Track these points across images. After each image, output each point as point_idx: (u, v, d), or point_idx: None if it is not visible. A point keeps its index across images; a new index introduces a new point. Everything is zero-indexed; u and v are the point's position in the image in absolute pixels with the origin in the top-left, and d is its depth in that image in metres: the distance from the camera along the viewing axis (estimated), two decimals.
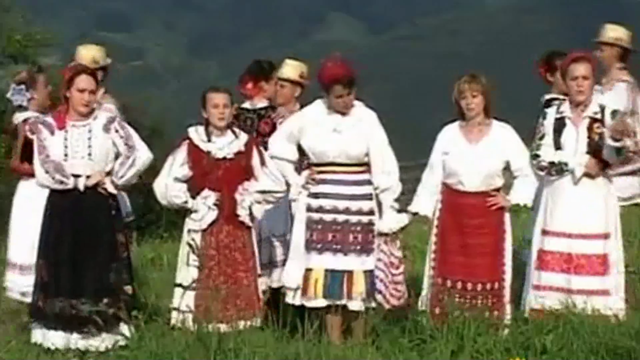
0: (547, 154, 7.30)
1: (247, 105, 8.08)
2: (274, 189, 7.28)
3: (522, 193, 7.30)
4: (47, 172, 6.89)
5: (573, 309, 7.00)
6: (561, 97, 7.71)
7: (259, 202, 7.31)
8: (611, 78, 8.79)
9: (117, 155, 7.05)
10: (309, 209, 7.18)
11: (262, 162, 7.26)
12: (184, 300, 7.15)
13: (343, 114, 7.18)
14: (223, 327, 6.64)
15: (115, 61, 8.80)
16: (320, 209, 7.16)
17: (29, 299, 7.37)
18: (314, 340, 6.52)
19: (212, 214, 7.22)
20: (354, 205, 7.13)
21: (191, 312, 7.07)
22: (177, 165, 7.25)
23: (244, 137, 7.35)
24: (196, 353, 6.25)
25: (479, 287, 7.18)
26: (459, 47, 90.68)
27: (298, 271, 7.14)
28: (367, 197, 7.15)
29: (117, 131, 7.06)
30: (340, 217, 7.14)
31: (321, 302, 7.10)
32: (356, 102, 7.23)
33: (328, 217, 7.15)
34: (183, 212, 7.37)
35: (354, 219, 7.13)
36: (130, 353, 6.58)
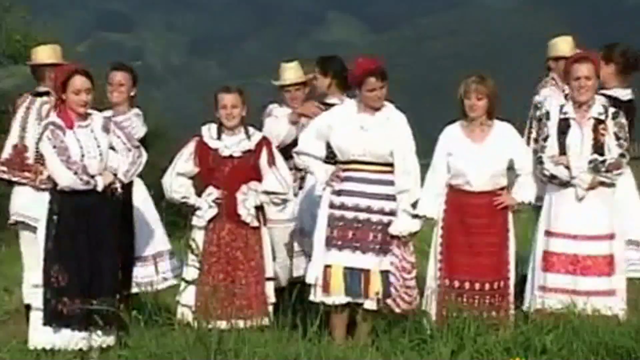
0: (550, 165, 7.29)
1: (335, 100, 7.97)
2: (278, 190, 7.28)
3: (525, 191, 7.31)
4: (75, 173, 6.83)
5: (573, 308, 7.01)
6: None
7: (266, 204, 7.33)
8: None
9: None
10: (332, 205, 7.18)
11: (272, 163, 7.28)
12: (185, 295, 7.20)
13: (372, 113, 7.17)
14: (222, 325, 6.66)
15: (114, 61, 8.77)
16: (342, 206, 7.16)
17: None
18: (314, 340, 6.51)
19: (212, 211, 7.25)
20: (376, 204, 7.12)
21: (191, 308, 7.12)
22: (182, 160, 7.32)
23: (257, 136, 7.37)
24: (196, 353, 6.25)
25: (487, 286, 7.19)
26: (459, 47, 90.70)
27: (319, 268, 7.15)
28: (390, 197, 7.12)
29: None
30: (362, 215, 7.13)
31: (342, 299, 7.10)
32: (387, 103, 7.23)
33: (349, 214, 7.14)
34: (184, 212, 7.40)
35: (375, 218, 7.13)
36: (130, 353, 6.58)
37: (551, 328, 6.75)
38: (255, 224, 7.29)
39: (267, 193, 7.29)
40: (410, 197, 7.12)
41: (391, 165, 7.14)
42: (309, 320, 6.60)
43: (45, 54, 8.17)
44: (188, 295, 7.23)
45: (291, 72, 8.30)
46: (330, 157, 7.32)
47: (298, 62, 8.41)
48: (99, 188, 6.88)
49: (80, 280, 6.85)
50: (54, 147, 6.84)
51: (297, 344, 6.45)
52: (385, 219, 7.12)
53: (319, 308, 7.07)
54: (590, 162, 7.21)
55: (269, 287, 7.33)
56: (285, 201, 7.49)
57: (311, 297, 7.16)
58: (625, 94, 7.92)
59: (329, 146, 7.26)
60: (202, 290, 7.15)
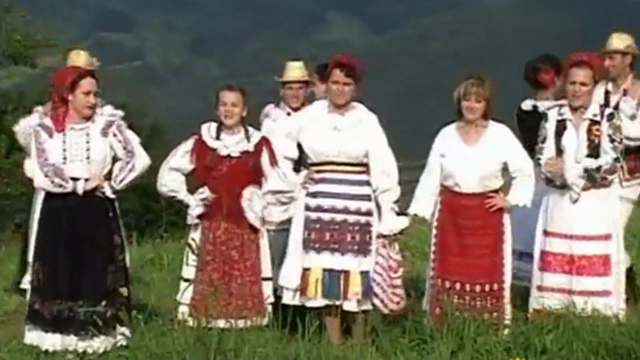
0: (546, 168, 7.32)
1: None
2: (284, 188, 7.29)
3: (520, 194, 7.28)
4: (46, 175, 6.87)
5: (573, 309, 7.02)
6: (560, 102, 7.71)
7: (273, 204, 7.33)
8: (634, 90, 8.22)
9: (114, 159, 7.06)
10: (307, 208, 7.19)
11: (274, 163, 7.28)
12: (185, 294, 7.21)
13: (342, 113, 7.18)
14: (220, 324, 6.68)
15: (115, 61, 8.82)
16: (318, 208, 7.16)
17: None
18: (314, 340, 6.52)
19: (199, 210, 7.25)
20: (352, 205, 7.13)
21: (188, 305, 7.15)
22: (178, 155, 7.33)
23: (256, 137, 7.37)
24: (196, 353, 6.26)
25: (478, 288, 7.17)
26: (459, 47, 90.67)
27: (296, 271, 7.14)
28: (366, 197, 7.15)
29: (115, 135, 7.07)
30: (339, 217, 7.13)
31: (320, 302, 7.10)
32: (357, 104, 7.24)
33: (326, 216, 7.15)
34: (184, 213, 7.41)
35: (351, 218, 7.13)
36: (130, 353, 6.59)
37: (551, 328, 6.75)
38: (260, 226, 7.30)
39: (273, 193, 7.29)
40: (392, 196, 7.12)
41: (365, 165, 7.15)
42: (308, 320, 6.60)
43: (78, 58, 8.29)
44: (187, 295, 7.24)
45: (296, 70, 8.35)
46: (302, 160, 7.34)
47: (302, 62, 8.46)
48: (79, 191, 6.89)
49: (55, 282, 6.87)
50: (35, 148, 6.94)
51: (297, 344, 6.46)
52: (363, 219, 7.13)
53: (318, 308, 7.08)
54: (585, 170, 7.21)
55: (267, 287, 7.32)
56: (292, 199, 7.49)
57: (285, 300, 7.16)
58: (527, 105, 8.11)
59: (300, 148, 7.27)
60: (198, 289, 7.17)
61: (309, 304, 7.10)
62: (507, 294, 7.23)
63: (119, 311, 6.86)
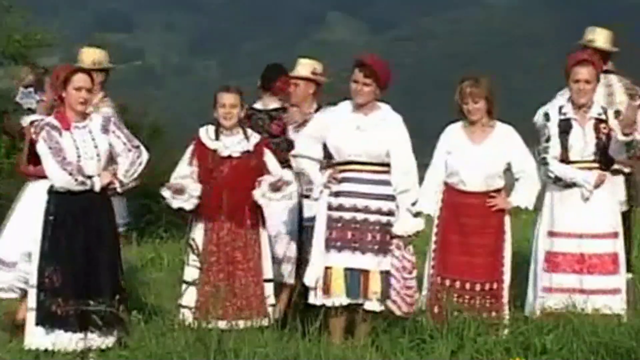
0: (554, 166, 7.30)
1: (258, 105, 8.14)
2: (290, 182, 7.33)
3: (523, 195, 7.30)
4: (70, 174, 6.84)
5: (573, 309, 7.02)
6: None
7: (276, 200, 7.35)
8: None
9: (111, 156, 7.07)
10: (330, 207, 7.18)
11: (278, 163, 7.34)
12: (186, 297, 7.21)
13: (366, 113, 7.17)
14: (222, 325, 6.68)
15: (115, 61, 8.84)
16: (340, 208, 7.15)
17: (5, 295, 7.53)
18: (314, 340, 6.52)
19: (179, 202, 7.24)
20: (374, 204, 7.12)
21: (191, 309, 7.14)
22: (182, 164, 7.36)
23: (255, 138, 7.40)
24: (196, 353, 6.26)
25: (478, 287, 7.19)
26: (459, 47, 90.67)
27: (319, 270, 7.13)
28: (387, 197, 7.13)
29: (114, 132, 7.08)
30: (360, 216, 7.13)
31: (343, 300, 7.09)
32: (382, 104, 7.24)
33: (347, 215, 7.13)
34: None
35: (372, 218, 7.12)
36: (130, 353, 6.59)
37: (551, 328, 6.75)
38: (260, 223, 7.31)
39: (286, 184, 7.33)
40: (410, 197, 7.11)
41: (387, 165, 7.14)
42: (308, 320, 6.60)
43: (81, 54, 8.33)
44: (188, 297, 7.23)
45: (299, 66, 8.36)
46: (326, 159, 7.34)
47: (314, 61, 8.45)
48: (96, 189, 6.90)
49: (75, 281, 6.86)
50: (50, 148, 6.87)
51: (297, 344, 6.46)
52: (384, 219, 7.12)
53: (318, 308, 7.07)
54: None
55: (268, 288, 7.33)
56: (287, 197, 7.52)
57: (311, 300, 7.15)
58: None
59: (325, 148, 7.27)
60: (202, 291, 7.16)
61: (331, 303, 7.08)
62: (505, 293, 7.24)
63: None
